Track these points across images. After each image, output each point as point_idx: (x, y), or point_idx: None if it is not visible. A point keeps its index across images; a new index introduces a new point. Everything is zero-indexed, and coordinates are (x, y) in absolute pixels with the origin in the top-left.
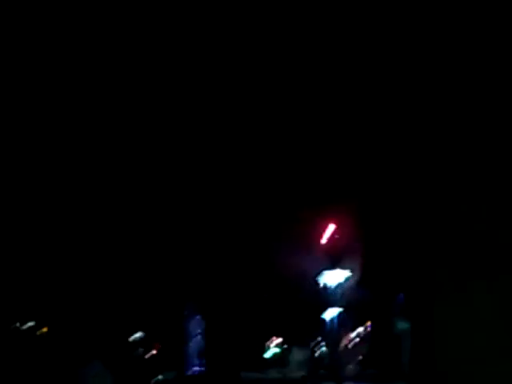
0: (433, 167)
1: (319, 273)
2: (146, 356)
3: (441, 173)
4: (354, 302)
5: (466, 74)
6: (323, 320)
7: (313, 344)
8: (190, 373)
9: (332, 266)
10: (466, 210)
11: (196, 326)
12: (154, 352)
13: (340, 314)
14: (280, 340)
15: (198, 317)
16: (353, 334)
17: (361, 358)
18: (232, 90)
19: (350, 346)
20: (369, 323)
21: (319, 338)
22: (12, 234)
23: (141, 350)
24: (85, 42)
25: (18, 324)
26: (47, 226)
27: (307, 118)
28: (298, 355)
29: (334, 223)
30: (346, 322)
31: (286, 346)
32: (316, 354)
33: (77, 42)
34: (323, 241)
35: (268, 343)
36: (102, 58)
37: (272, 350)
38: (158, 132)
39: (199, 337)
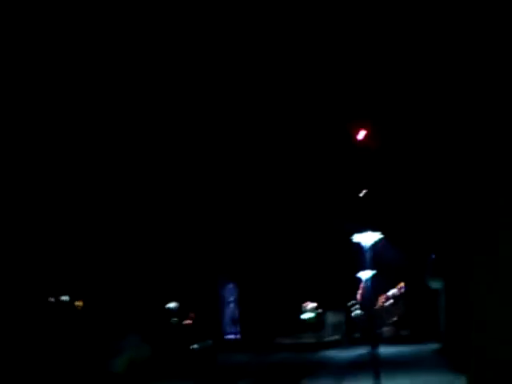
0: (468, 133)
1: (352, 234)
2: (182, 325)
3: (472, 143)
4: (387, 263)
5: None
6: (358, 280)
7: (347, 307)
8: (225, 339)
9: (365, 228)
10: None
11: (230, 294)
12: (189, 321)
13: (373, 275)
14: (315, 304)
15: (231, 284)
16: (387, 296)
17: (395, 319)
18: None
19: (384, 307)
20: (402, 284)
21: (354, 301)
22: (46, 215)
23: (176, 319)
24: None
25: (52, 298)
26: (81, 206)
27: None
28: (332, 319)
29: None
30: (379, 284)
31: (320, 310)
32: (351, 317)
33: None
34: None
35: (304, 305)
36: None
37: (307, 313)
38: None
39: (233, 304)
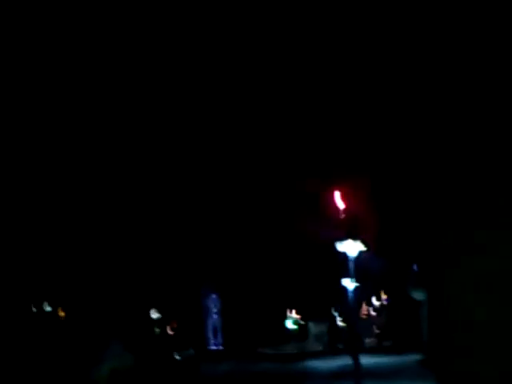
0: (445, 144)
1: (335, 244)
2: (164, 335)
3: (451, 152)
4: (369, 273)
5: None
6: (341, 290)
7: (330, 317)
8: (207, 350)
9: (346, 238)
10: (472, 184)
11: (213, 304)
12: (172, 331)
13: (356, 286)
14: (297, 316)
15: (214, 295)
16: (369, 306)
17: (378, 330)
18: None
19: (367, 318)
20: (385, 295)
21: (336, 312)
22: (29, 223)
23: (158, 329)
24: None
25: (34, 309)
26: (65, 212)
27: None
28: (315, 329)
29: (348, 195)
30: (362, 295)
31: (303, 322)
32: (333, 328)
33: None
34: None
35: (287, 314)
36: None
37: (290, 324)
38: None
39: (216, 315)
